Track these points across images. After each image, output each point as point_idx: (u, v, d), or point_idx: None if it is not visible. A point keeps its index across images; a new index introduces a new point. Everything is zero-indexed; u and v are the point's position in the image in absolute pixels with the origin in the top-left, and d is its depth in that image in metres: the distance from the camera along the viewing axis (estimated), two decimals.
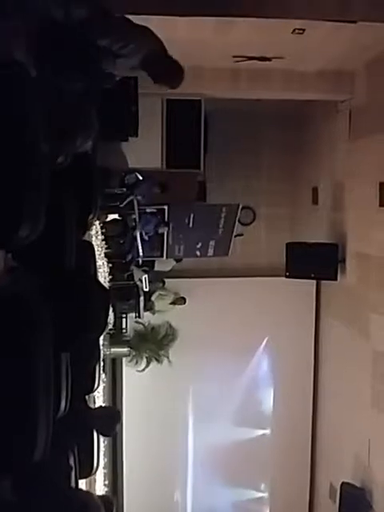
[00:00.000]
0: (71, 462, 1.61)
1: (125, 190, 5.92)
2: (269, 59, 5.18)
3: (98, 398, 4.74)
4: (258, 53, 5.10)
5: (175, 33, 4.49)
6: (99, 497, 3.01)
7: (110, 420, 2.83)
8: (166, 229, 6.28)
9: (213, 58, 5.23)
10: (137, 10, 3.24)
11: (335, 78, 5.68)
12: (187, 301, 6.89)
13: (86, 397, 2.66)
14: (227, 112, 6.74)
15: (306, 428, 7.35)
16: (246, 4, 3.17)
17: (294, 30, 4.14)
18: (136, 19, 3.79)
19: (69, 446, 1.66)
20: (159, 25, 4.30)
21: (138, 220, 5.99)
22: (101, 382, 2.79)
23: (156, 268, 6.74)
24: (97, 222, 4.91)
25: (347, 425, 6.20)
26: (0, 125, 1.04)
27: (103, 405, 4.60)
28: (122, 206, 5.88)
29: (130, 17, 2.51)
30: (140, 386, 6.99)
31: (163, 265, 6.75)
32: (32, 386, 1.00)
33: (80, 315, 1.39)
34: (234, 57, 5.18)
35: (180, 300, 6.89)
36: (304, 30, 4.12)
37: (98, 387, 2.40)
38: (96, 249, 5.31)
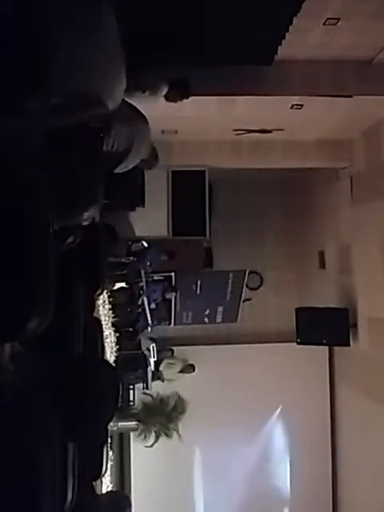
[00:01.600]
0: None
1: (132, 258, 5.96)
2: (269, 131, 5.38)
3: (106, 477, 4.49)
4: (258, 126, 5.32)
5: (181, 111, 4.72)
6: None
7: (118, 506, 2.65)
8: (174, 294, 6.25)
9: (215, 131, 5.45)
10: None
11: (334, 146, 5.86)
12: (196, 368, 6.72)
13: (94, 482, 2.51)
14: (231, 180, 6.93)
15: (327, 502, 6.88)
16: (247, 84, 3.34)
17: (293, 106, 4.32)
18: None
19: None
20: (164, 103, 4.53)
21: (145, 288, 5.98)
22: (108, 462, 2.65)
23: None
24: (104, 292, 4.90)
25: (368, 495, 5.79)
26: (6, 215, 1.04)
27: (111, 489, 4.34)
28: (128, 273, 5.90)
29: None
30: (149, 462, 6.64)
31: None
32: (36, 481, 0.94)
33: (89, 403, 1.33)
34: (235, 130, 5.39)
35: (189, 368, 6.72)
36: (302, 105, 4.30)
37: (105, 472, 2.26)
38: (103, 318, 5.28)
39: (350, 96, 4.26)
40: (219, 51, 3.43)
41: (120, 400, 5.86)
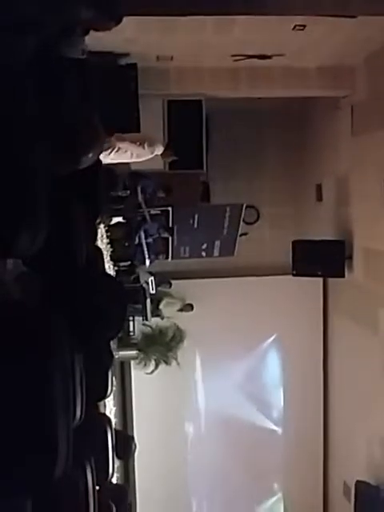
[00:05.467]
0: (88, 471, 1.58)
1: (128, 192, 5.90)
2: (269, 57, 5.15)
3: (109, 400, 4.71)
4: (257, 51, 5.08)
5: (175, 34, 4.49)
6: (112, 486, 2.97)
7: (125, 444, 2.78)
8: (169, 234, 6.26)
9: (212, 58, 5.22)
10: (136, 11, 3.23)
11: (335, 73, 5.64)
12: (194, 305, 6.88)
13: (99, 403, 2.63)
14: (228, 112, 6.72)
15: (318, 426, 7.31)
16: (246, 2, 3.15)
17: (295, 27, 4.11)
18: (135, 20, 3.79)
19: (85, 456, 1.63)
20: (158, 26, 4.32)
21: (142, 222, 5.97)
22: (113, 383, 2.76)
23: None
24: (101, 226, 4.89)
25: (359, 422, 6.15)
26: None
27: (116, 425, 4.55)
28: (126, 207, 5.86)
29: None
30: (149, 388, 6.96)
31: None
32: (50, 396, 0.97)
33: (96, 312, 1.36)
34: (233, 56, 5.16)
35: (187, 307, 6.88)
36: (305, 26, 4.09)
37: (111, 392, 2.37)
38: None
39: (354, 16, 4.05)
40: None
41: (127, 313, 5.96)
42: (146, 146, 4.78)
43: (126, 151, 4.69)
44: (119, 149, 4.58)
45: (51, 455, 0.92)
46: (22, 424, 0.94)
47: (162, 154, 5.09)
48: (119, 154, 4.63)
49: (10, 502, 1.08)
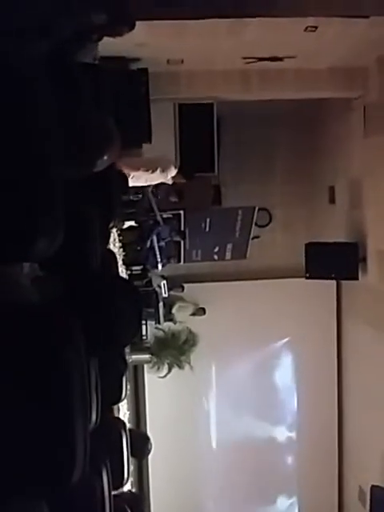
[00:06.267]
0: (104, 475, 1.58)
1: (140, 196, 5.91)
2: (280, 59, 5.14)
3: (123, 404, 4.71)
4: (268, 53, 5.07)
5: (188, 38, 4.50)
6: (127, 493, 2.97)
7: (142, 443, 2.78)
8: (181, 238, 6.27)
9: (223, 60, 5.22)
10: (148, 16, 3.24)
11: (347, 75, 5.61)
12: (207, 308, 6.86)
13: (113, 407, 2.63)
14: (240, 114, 6.71)
15: (332, 430, 7.23)
16: (258, 4, 3.14)
17: (307, 28, 4.09)
18: (146, 24, 3.80)
19: (101, 460, 1.63)
20: (169, 30, 4.33)
21: (154, 226, 5.98)
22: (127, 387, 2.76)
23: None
24: (114, 230, 4.91)
25: (374, 426, 6.07)
26: (10, 138, 1.02)
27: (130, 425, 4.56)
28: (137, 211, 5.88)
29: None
30: (162, 392, 6.96)
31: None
32: (67, 399, 0.97)
33: (111, 316, 1.36)
34: (244, 58, 5.15)
35: (200, 311, 6.86)
36: (317, 27, 4.07)
37: (125, 396, 2.37)
38: None
39: (367, 16, 4.02)
40: None
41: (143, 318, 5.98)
42: (158, 171, 4.90)
43: (139, 177, 4.83)
44: (134, 176, 4.68)
45: (69, 459, 0.91)
46: (39, 428, 0.94)
47: (173, 177, 5.17)
48: (134, 181, 4.75)
49: (27, 506, 1.08)
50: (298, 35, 4.25)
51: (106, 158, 1.52)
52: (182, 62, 5.20)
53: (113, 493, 1.73)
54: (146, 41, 4.45)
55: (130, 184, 4.73)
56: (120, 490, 2.52)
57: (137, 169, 4.73)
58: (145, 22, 3.53)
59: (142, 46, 4.61)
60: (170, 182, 5.32)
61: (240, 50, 4.89)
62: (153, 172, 4.90)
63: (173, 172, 5.11)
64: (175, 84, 5.48)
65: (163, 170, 4.98)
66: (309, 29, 4.09)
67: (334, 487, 7.31)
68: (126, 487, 4.73)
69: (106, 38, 2.69)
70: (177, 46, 4.73)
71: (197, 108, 6.06)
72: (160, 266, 6.16)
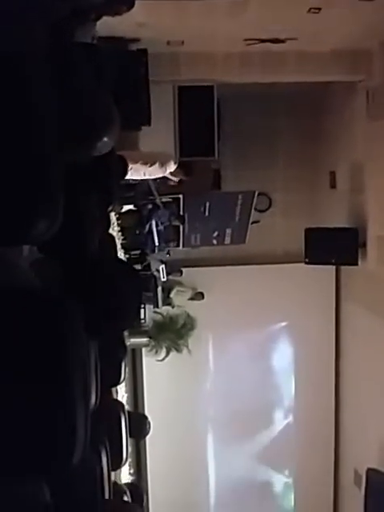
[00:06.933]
0: (103, 455, 1.60)
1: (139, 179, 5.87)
2: (282, 41, 5.05)
3: (121, 386, 4.75)
4: (270, 35, 4.98)
5: (186, 19, 4.42)
6: (127, 484, 3.02)
7: (140, 423, 2.80)
8: (180, 222, 6.25)
9: (224, 42, 5.13)
10: None
11: (351, 57, 5.52)
12: (205, 293, 6.87)
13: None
14: (241, 97, 6.63)
15: (329, 414, 7.31)
16: None
17: (310, 9, 4.02)
18: (146, 4, 3.73)
19: (100, 441, 1.64)
20: (169, 10, 4.25)
21: (153, 210, 5.95)
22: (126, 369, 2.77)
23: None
24: (112, 214, 4.89)
25: (371, 410, 6.14)
26: (10, 121, 1.00)
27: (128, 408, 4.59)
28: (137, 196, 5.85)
29: None
30: (160, 375, 7.01)
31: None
32: (67, 381, 0.97)
33: (111, 299, 1.35)
34: (246, 40, 5.06)
35: (198, 295, 6.87)
36: (320, 8, 3.99)
37: (124, 379, 2.38)
38: None
39: None
40: None
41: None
42: (157, 165, 4.88)
43: (138, 170, 4.80)
44: (132, 168, 4.65)
45: (69, 441, 0.92)
46: (39, 410, 0.94)
47: (172, 173, 5.14)
48: (132, 173, 4.72)
49: (28, 487, 1.08)
50: (300, 16, 4.18)
51: (106, 140, 1.49)
52: (183, 43, 5.12)
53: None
54: (145, 21, 4.38)
55: (129, 177, 4.71)
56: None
57: (135, 161, 4.70)
58: (144, 1, 3.47)
59: (142, 27, 4.53)
60: (170, 177, 5.29)
61: (241, 31, 4.80)
62: (151, 165, 4.88)
63: (172, 167, 5.10)
64: (175, 66, 5.40)
65: (162, 164, 4.97)
66: (312, 10, 4.02)
67: (330, 470, 7.42)
68: (125, 468, 4.80)
69: (104, 18, 2.64)
70: (177, 26, 4.65)
71: (197, 91, 5.98)
72: (157, 250, 6.16)
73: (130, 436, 2.62)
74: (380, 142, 5.56)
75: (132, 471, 5.66)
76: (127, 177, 4.61)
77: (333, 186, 6.86)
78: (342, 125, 6.52)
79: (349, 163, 6.44)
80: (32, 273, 1.30)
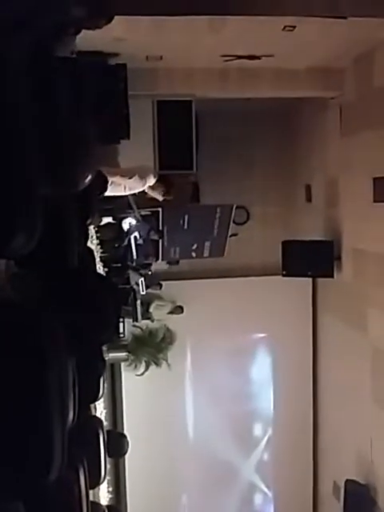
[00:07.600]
0: (81, 474, 1.57)
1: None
2: (258, 57, 5.16)
3: (100, 402, 4.68)
4: (247, 51, 5.09)
5: (164, 34, 4.48)
6: (106, 507, 2.97)
7: (118, 442, 2.76)
8: (159, 237, 6.26)
9: (202, 58, 5.21)
10: (129, 12, 3.21)
11: (325, 74, 5.68)
12: (184, 306, 6.86)
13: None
14: (218, 112, 6.73)
15: (308, 426, 7.34)
16: (239, 2, 3.15)
17: (285, 27, 4.12)
18: (125, 19, 3.77)
19: (78, 459, 1.62)
20: (148, 26, 4.30)
21: (132, 224, 5.95)
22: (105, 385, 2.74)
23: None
24: (91, 227, 4.87)
25: (349, 421, 6.19)
26: None
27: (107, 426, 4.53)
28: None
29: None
30: (139, 390, 6.94)
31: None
32: (45, 398, 0.96)
33: (90, 314, 1.34)
34: (223, 56, 5.16)
35: (178, 309, 6.87)
36: (295, 27, 4.10)
37: (103, 394, 2.35)
38: None
39: (345, 17, 4.07)
40: None
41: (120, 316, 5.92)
42: (137, 177, 4.91)
43: (119, 185, 4.81)
44: (112, 182, 4.67)
45: (46, 458, 0.90)
46: (16, 427, 0.93)
47: (152, 186, 5.19)
48: (113, 188, 4.74)
49: (2, 506, 1.06)
50: (275, 34, 4.28)
51: (88, 179, 1.44)
52: (161, 58, 5.18)
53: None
54: (124, 36, 4.41)
55: (111, 193, 4.71)
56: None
57: (114, 174, 4.72)
58: (123, 16, 3.50)
59: (121, 41, 4.56)
60: (155, 196, 5.33)
61: (219, 47, 4.89)
62: (130, 177, 4.90)
63: (152, 180, 5.13)
64: (154, 80, 5.45)
65: (142, 177, 5.00)
66: (287, 28, 4.12)
67: (309, 482, 7.43)
68: (103, 486, 4.71)
69: (84, 32, 2.66)
70: (156, 42, 4.70)
71: (175, 105, 6.03)
72: (135, 264, 6.14)
73: (109, 455, 2.58)
74: (352, 157, 5.70)
75: (110, 489, 5.55)
76: (107, 193, 4.58)
77: (309, 199, 6.99)
78: (317, 140, 6.67)
79: (323, 177, 6.58)
80: (10, 287, 1.28)
